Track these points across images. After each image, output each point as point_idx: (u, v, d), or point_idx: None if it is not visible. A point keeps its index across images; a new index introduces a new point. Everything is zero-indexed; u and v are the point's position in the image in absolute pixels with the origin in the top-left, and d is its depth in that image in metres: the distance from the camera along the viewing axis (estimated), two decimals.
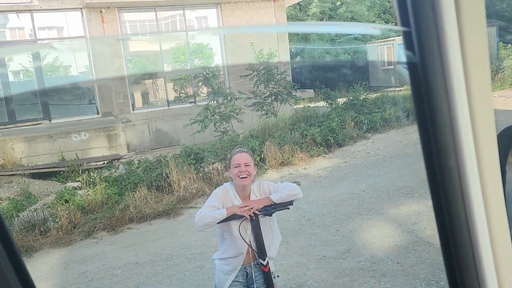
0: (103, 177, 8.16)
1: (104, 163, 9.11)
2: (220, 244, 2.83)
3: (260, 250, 2.67)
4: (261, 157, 8.66)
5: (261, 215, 2.66)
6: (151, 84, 14.39)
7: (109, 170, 8.83)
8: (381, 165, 8.17)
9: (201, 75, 14.41)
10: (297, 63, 25.94)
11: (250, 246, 2.71)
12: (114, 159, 9.28)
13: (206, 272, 4.63)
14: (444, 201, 0.49)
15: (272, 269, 2.77)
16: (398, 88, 19.73)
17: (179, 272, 4.74)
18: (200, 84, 14.39)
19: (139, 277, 4.77)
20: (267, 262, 2.67)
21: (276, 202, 2.66)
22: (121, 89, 11.83)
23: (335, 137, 9.66)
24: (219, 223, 2.62)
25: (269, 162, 8.60)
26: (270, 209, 2.65)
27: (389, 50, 21.86)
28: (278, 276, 2.88)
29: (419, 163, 7.78)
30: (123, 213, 6.68)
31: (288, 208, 2.71)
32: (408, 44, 0.47)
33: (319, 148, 9.34)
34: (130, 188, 7.34)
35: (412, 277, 3.92)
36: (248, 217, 2.62)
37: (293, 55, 23.76)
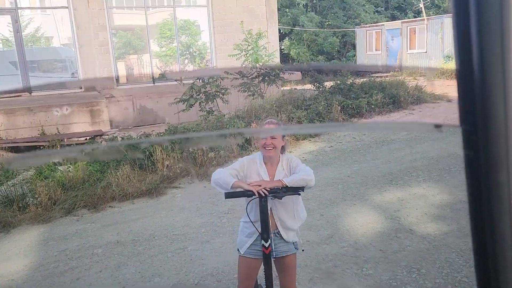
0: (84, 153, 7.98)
1: (86, 139, 8.92)
2: (245, 208, 2.83)
3: (264, 231, 2.64)
4: (246, 138, 8.59)
5: (271, 197, 2.63)
6: (136, 59, 14.08)
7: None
8: (367, 151, 8.19)
9: (186, 52, 14.18)
10: (285, 45, 25.70)
11: (254, 226, 2.70)
12: (97, 135, 9.10)
13: (188, 254, 4.59)
14: (488, 220, 0.43)
15: (294, 239, 2.85)
16: (385, 74, 19.78)
17: (161, 253, 4.69)
18: (186, 61, 14.17)
19: (120, 256, 4.71)
20: (269, 244, 2.65)
21: (287, 185, 2.61)
22: (105, 64, 11.53)
23: (321, 121, 9.63)
24: (228, 197, 2.62)
25: (254, 144, 8.54)
26: (280, 191, 2.61)
27: (377, 35, 21.80)
28: (303, 250, 2.95)
29: (403, 150, 7.86)
30: (105, 191, 6.57)
31: (299, 194, 2.68)
32: (463, 36, 0.40)
33: None
34: (113, 166, 7.21)
35: (394, 264, 3.95)
36: (257, 195, 2.59)
37: (281, 37, 23.49)
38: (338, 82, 12.26)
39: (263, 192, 2.56)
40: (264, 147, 2.69)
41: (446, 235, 4.40)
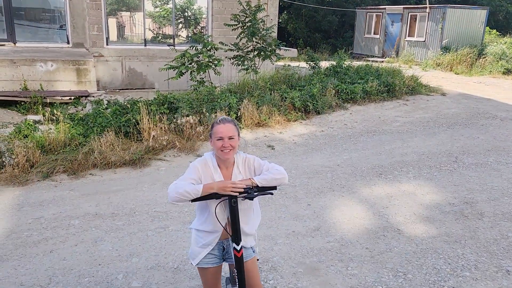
0: (67, 114, 7.66)
1: (70, 99, 8.55)
2: (198, 215, 2.64)
3: (235, 234, 2.47)
4: (237, 114, 8.36)
5: (241, 198, 2.44)
6: (128, 17, 13.49)
7: (75, 107, 8.31)
8: (357, 139, 8.06)
9: (181, 16, 13.63)
10: (282, 18, 25.10)
11: (225, 229, 2.51)
12: (82, 96, 8.72)
13: (169, 234, 4.44)
14: None
15: (252, 243, 2.67)
16: (380, 59, 19.55)
17: (141, 231, 4.52)
18: (180, 26, 13.65)
19: (97, 230, 4.53)
20: (241, 247, 2.48)
21: (259, 185, 2.43)
22: (95, 20, 11.00)
23: (314, 103, 9.43)
24: (195, 200, 2.38)
25: (244, 121, 8.32)
26: (252, 192, 2.42)
27: (377, 19, 21.41)
28: (258, 260, 2.71)
29: (394, 143, 7.76)
30: (87, 157, 6.32)
31: (272, 194, 2.49)
32: None
33: (297, 113, 9.11)
34: (97, 131, 6.93)
35: (380, 265, 3.87)
36: (227, 198, 2.40)
37: (280, 9, 22.87)
38: (335, 64, 11.99)
39: (237, 191, 2.36)
40: (221, 150, 2.44)
41: (434, 239, 4.33)
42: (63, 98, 8.50)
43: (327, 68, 11.93)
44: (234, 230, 2.47)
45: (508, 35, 22.17)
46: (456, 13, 18.08)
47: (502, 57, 16.36)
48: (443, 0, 25.03)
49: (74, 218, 4.80)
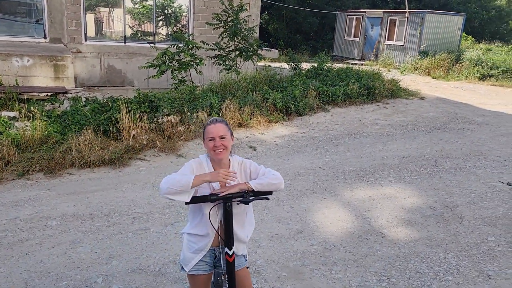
0: (44, 111, 7.43)
1: (47, 95, 8.29)
2: (191, 218, 2.57)
3: (228, 238, 2.42)
4: (219, 114, 8.28)
5: (236, 202, 2.39)
6: (107, 14, 13.22)
7: (53, 104, 8.07)
8: (339, 141, 8.10)
9: (162, 13, 13.44)
10: (263, 18, 25.10)
11: (217, 232, 2.45)
12: (59, 93, 8.48)
13: (150, 237, 4.34)
14: None
15: (243, 252, 2.62)
16: (360, 62, 19.76)
17: (121, 233, 4.40)
18: (160, 24, 13.46)
19: (76, 232, 4.39)
20: (233, 252, 2.43)
21: (254, 189, 2.38)
22: (74, 15, 10.72)
23: (296, 105, 9.44)
24: (190, 203, 2.32)
25: (228, 122, 8.24)
26: (247, 196, 2.37)
27: (358, 22, 21.64)
28: (247, 268, 2.65)
29: (375, 146, 7.82)
30: (64, 156, 6.14)
31: (268, 199, 2.45)
32: None
33: (278, 114, 9.10)
34: (75, 129, 6.74)
35: (363, 269, 3.87)
36: (222, 201, 2.35)
37: (261, 9, 22.85)
38: (316, 66, 12.04)
39: (228, 198, 2.32)
40: (214, 150, 2.40)
41: (416, 242, 4.36)
42: (39, 94, 8.24)
43: (308, 69, 11.97)
44: (226, 234, 2.41)
45: (483, 42, 22.77)
46: (434, 18, 18.44)
47: (478, 63, 16.76)
48: (421, 6, 25.52)
49: (51, 219, 4.64)
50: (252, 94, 9.25)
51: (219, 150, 2.40)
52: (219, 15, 10.36)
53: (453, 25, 18.88)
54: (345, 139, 8.26)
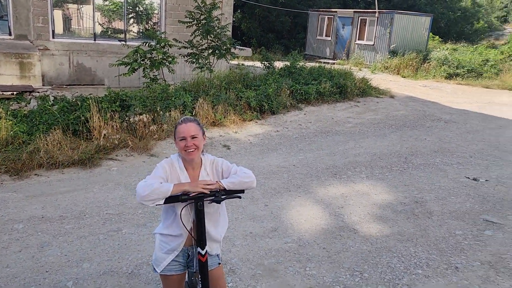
0: (10, 111, 7.17)
1: (12, 94, 8.02)
2: (163, 218, 2.53)
3: (200, 238, 2.39)
4: (192, 113, 8.22)
5: (208, 202, 2.37)
6: (76, 10, 12.89)
7: (18, 103, 7.80)
8: (312, 139, 8.17)
9: (133, 10, 13.20)
10: (236, 17, 25.06)
11: (190, 233, 2.42)
12: (26, 91, 8.21)
13: (123, 238, 4.26)
14: None
15: (217, 251, 2.60)
16: (331, 61, 20.00)
17: (92, 234, 4.30)
18: (132, 21, 13.23)
19: (44, 235, 4.26)
20: (206, 251, 2.41)
21: (226, 188, 2.37)
22: (40, 11, 10.40)
23: (269, 103, 9.47)
24: (164, 203, 2.28)
25: (200, 120, 8.18)
26: (219, 195, 2.35)
27: (329, 21, 21.88)
28: (219, 264, 2.63)
29: (348, 143, 7.93)
30: (32, 157, 5.94)
31: (240, 197, 2.43)
32: None
33: (252, 112, 9.10)
34: (42, 129, 6.53)
35: (337, 265, 3.92)
36: (193, 201, 2.33)
37: (234, 8, 22.80)
38: (289, 65, 12.11)
39: (200, 198, 2.30)
40: (185, 150, 2.37)
41: (388, 238, 4.45)
42: (4, 93, 7.96)
43: (281, 68, 12.02)
44: (199, 234, 2.39)
45: (449, 42, 23.45)
46: (403, 19, 18.85)
47: (444, 62, 17.25)
48: (390, 6, 26.05)
49: (17, 222, 4.49)
50: (226, 93, 9.22)
51: (191, 150, 2.37)
52: (192, 13, 10.27)
53: (421, 26, 19.36)
54: (318, 137, 8.34)
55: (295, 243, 4.32)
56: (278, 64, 12.81)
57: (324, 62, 17.66)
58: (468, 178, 6.26)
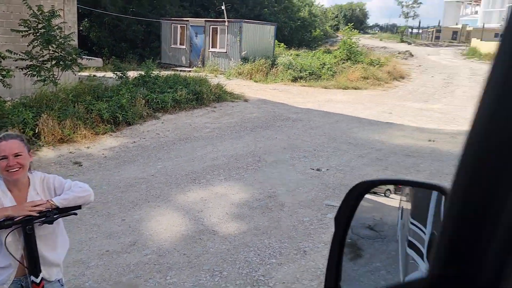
0: None
1: None
2: None
3: (32, 266, 2.20)
4: (35, 131, 7.49)
5: (39, 224, 2.19)
6: None
7: None
8: (170, 147, 8.15)
9: None
10: (84, 26, 23.61)
11: (20, 262, 2.21)
12: None
13: None
14: None
15: (58, 276, 2.39)
16: (188, 69, 20.18)
17: None
18: None
19: None
20: (41, 279, 2.23)
21: (59, 206, 2.22)
22: None
23: (124, 114, 9.15)
24: None
25: (45, 138, 7.51)
26: (51, 215, 2.19)
27: (182, 30, 22.05)
28: (62, 286, 2.44)
29: (206, 148, 8.11)
30: None
31: (76, 214, 2.31)
32: None
33: (106, 125, 8.68)
34: None
35: (197, 268, 3.99)
36: (20, 225, 2.13)
37: (80, 17, 21.42)
38: (143, 74, 11.86)
39: (28, 221, 2.12)
40: (7, 170, 2.15)
41: (245, 234, 4.69)
42: None
43: (135, 78, 11.71)
44: (31, 261, 2.19)
45: (293, 48, 25.62)
46: (250, 27, 20.00)
47: (289, 66, 18.81)
48: (239, 16, 27.37)
49: None
50: (74, 106, 8.61)
51: (14, 170, 2.16)
52: (28, 21, 9.36)
53: (267, 34, 20.80)
54: (176, 145, 8.34)
55: (155, 254, 4.26)
56: (133, 74, 12.44)
57: (180, 70, 17.71)
58: (313, 169, 6.94)
